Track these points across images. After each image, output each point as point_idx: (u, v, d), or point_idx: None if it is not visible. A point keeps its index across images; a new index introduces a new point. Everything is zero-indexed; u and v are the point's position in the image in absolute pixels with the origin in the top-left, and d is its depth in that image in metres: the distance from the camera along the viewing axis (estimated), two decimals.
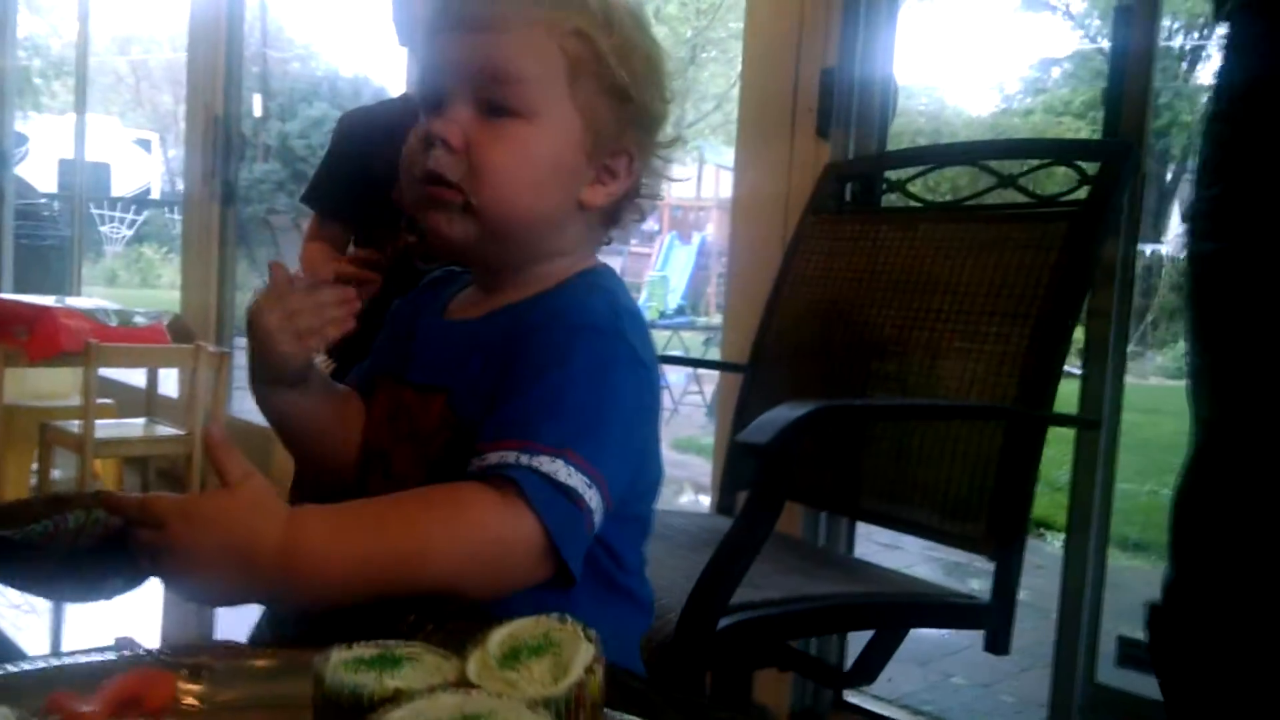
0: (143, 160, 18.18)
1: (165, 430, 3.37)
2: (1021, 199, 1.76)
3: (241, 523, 0.69)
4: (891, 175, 2.02)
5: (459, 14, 0.86)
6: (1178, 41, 15.82)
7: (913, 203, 2.00)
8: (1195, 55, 15.87)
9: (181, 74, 4.61)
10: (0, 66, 5.34)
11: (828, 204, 2.09)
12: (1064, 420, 1.73)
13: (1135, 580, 3.51)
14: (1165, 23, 16.09)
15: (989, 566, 1.54)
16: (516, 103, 0.85)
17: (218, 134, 4.01)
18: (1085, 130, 15.89)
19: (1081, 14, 16.69)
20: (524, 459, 0.76)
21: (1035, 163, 1.78)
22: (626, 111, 0.88)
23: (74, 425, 3.14)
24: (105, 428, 3.20)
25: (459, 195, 0.85)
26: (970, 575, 3.56)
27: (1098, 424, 1.66)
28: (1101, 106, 1.80)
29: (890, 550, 3.52)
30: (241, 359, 3.87)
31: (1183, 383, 1.25)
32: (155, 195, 17.85)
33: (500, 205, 0.85)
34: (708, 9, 15.13)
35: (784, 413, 1.21)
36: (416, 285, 1.63)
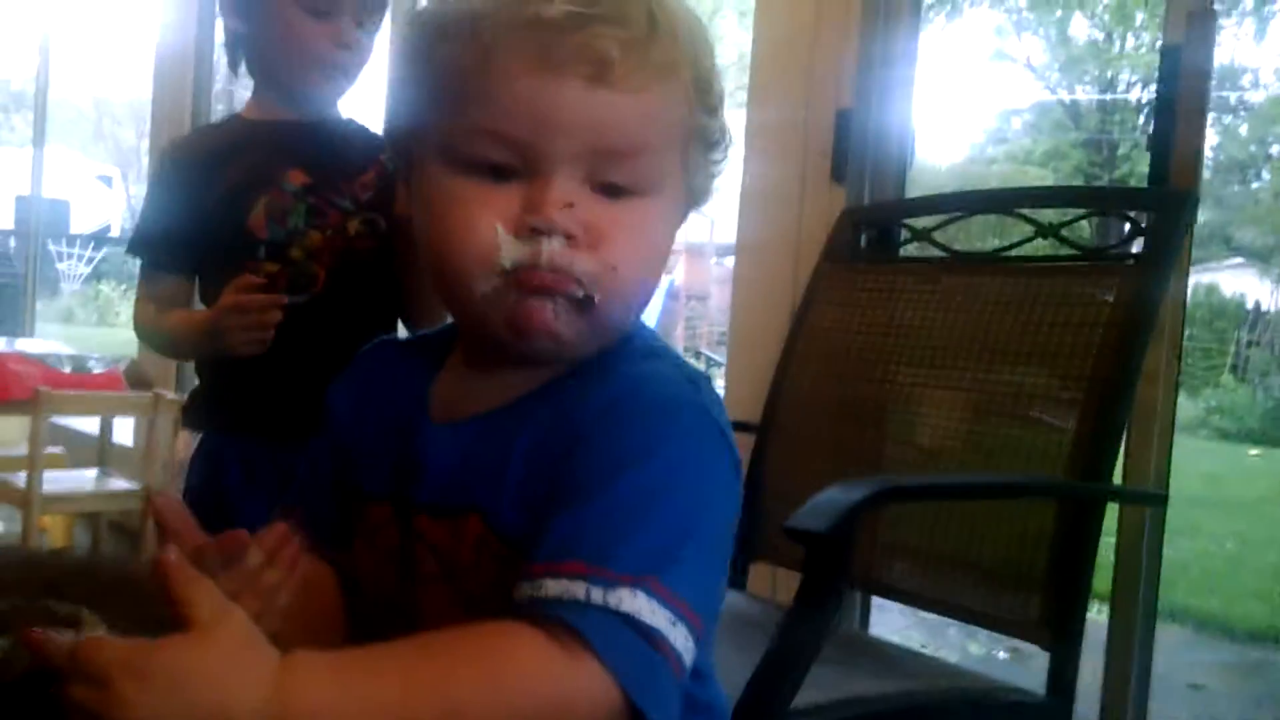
0: (104, 196, 17.86)
1: (119, 484, 3.15)
2: (1049, 249, 1.63)
3: (214, 683, 0.52)
4: (914, 223, 1.88)
5: (578, 53, 0.66)
6: (1135, 94, 16.16)
7: (937, 252, 1.86)
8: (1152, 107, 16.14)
9: (144, 109, 4.43)
10: None
11: (843, 253, 1.95)
12: (1137, 497, 1.57)
13: (1172, 644, 3.39)
14: (1124, 75, 16.40)
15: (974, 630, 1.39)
16: (640, 181, 0.70)
17: None
18: (1050, 178, 16.10)
19: (1042, 66, 16.96)
20: (595, 594, 0.59)
21: (1076, 211, 1.66)
22: (713, 163, 0.76)
23: (19, 478, 2.92)
24: (54, 480, 2.98)
25: (579, 288, 0.68)
26: (961, 639, 3.41)
27: (1165, 499, 1.52)
28: (1148, 151, 1.68)
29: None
30: None
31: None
32: (115, 232, 17.53)
33: (625, 300, 0.71)
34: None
35: (840, 494, 1.05)
36: (282, 316, 1.38)
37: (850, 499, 1.04)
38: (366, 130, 1.54)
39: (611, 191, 0.69)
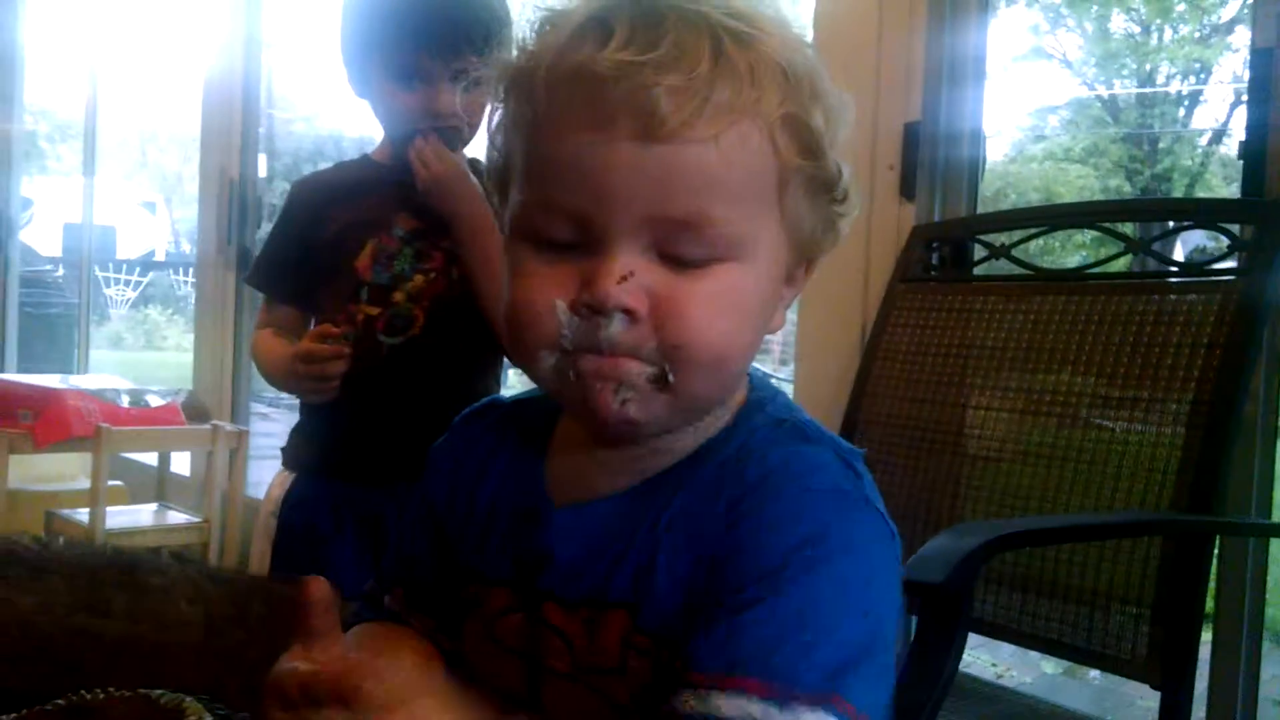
0: (148, 222, 18.11)
1: (178, 517, 3.15)
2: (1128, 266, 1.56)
3: None
4: (992, 239, 1.82)
5: (626, 106, 0.58)
6: (1174, 87, 15.89)
7: (1013, 268, 1.80)
8: (1193, 100, 15.89)
9: (187, 136, 4.45)
10: (7, 131, 5.20)
11: (916, 271, 1.90)
12: (1252, 530, 1.50)
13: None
14: (1163, 68, 16.20)
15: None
16: (715, 247, 0.61)
17: (233, 199, 3.83)
18: (1091, 175, 15.89)
19: (1079, 61, 16.75)
20: (774, 716, 0.54)
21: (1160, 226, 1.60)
22: (827, 205, 0.66)
23: (81, 514, 2.92)
24: (115, 515, 2.98)
25: (645, 367, 0.61)
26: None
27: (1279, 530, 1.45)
28: (1240, 159, 1.61)
29: None
30: (257, 432, 3.68)
31: None
32: (160, 257, 17.76)
33: (709, 380, 0.63)
34: None
35: (954, 543, 1.00)
36: (380, 359, 1.41)
37: (966, 547, 0.99)
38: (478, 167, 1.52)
39: (682, 261, 0.61)
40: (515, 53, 0.65)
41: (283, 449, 1.57)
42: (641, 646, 0.63)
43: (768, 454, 0.63)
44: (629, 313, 0.60)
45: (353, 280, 1.44)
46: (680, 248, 0.60)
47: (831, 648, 0.56)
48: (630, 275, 0.60)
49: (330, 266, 1.46)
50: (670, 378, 0.61)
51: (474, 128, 1.45)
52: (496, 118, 0.67)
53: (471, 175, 1.43)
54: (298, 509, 1.50)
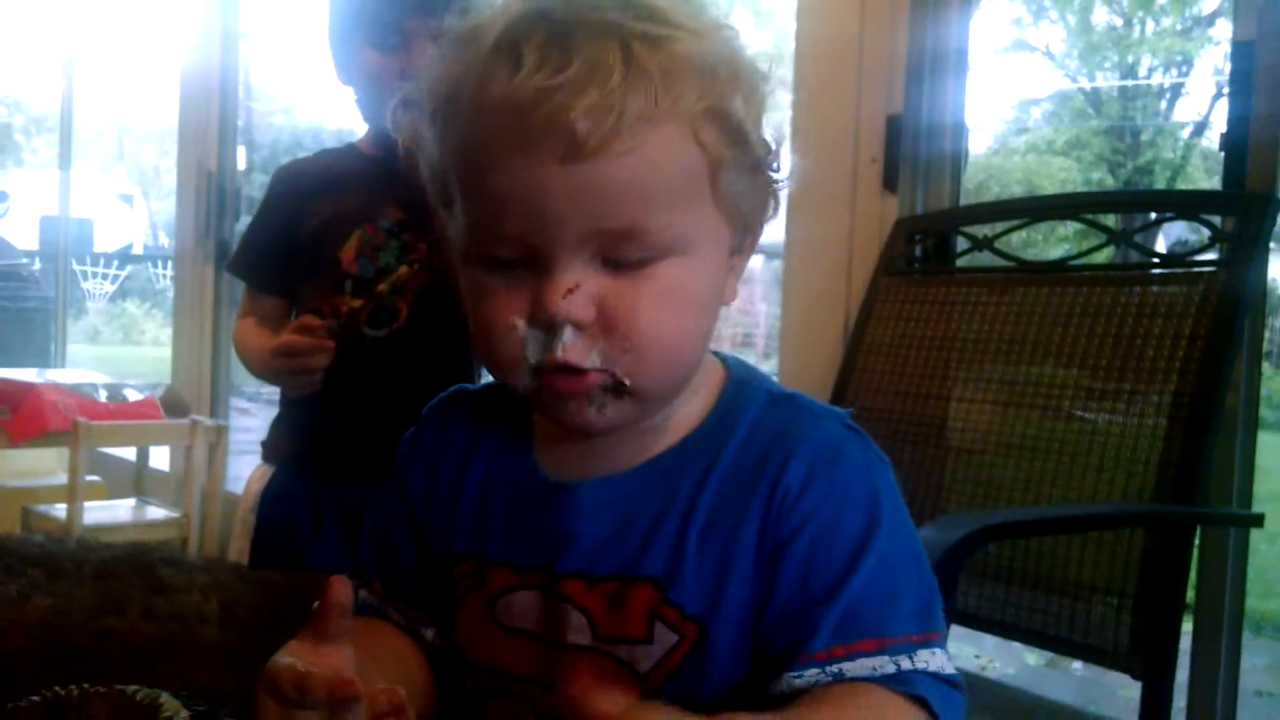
0: (125, 215, 17.96)
1: (157, 513, 3.12)
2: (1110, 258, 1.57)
3: None
4: (975, 231, 1.82)
5: (546, 130, 0.59)
6: (1156, 79, 15.97)
7: (996, 260, 1.80)
8: (1175, 92, 15.99)
9: (164, 128, 4.42)
10: None
11: (900, 264, 1.89)
12: (1234, 520, 1.51)
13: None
14: (1145, 61, 16.32)
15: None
16: (657, 247, 0.63)
17: (210, 191, 3.80)
18: (1073, 167, 15.97)
19: (1061, 54, 16.81)
20: (905, 663, 0.63)
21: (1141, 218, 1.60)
22: (763, 180, 0.68)
23: (58, 510, 2.90)
24: (92, 511, 2.95)
25: (607, 377, 0.64)
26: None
27: (1261, 520, 1.45)
28: (1221, 151, 1.61)
29: None
30: (236, 426, 3.65)
31: None
32: (138, 250, 17.62)
33: (665, 373, 0.66)
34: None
35: (938, 535, 1.00)
36: (363, 351, 1.40)
37: (947, 540, 0.99)
38: None
39: (624, 263, 0.63)
40: (434, 73, 0.66)
41: (263, 443, 1.56)
42: (670, 618, 0.66)
43: (799, 446, 0.67)
44: (578, 324, 0.62)
45: (337, 272, 1.43)
46: (620, 253, 0.62)
47: (913, 595, 0.65)
48: (576, 288, 0.62)
49: (314, 258, 1.45)
50: (627, 382, 0.64)
51: None
52: (427, 138, 0.68)
53: None
54: (277, 504, 1.49)
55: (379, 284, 1.42)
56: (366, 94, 1.46)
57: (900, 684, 0.62)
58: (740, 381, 0.72)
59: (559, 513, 0.70)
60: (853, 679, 0.63)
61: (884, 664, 0.63)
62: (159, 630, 0.86)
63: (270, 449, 1.54)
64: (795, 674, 0.64)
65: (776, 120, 0.68)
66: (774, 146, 0.68)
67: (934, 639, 0.65)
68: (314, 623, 0.60)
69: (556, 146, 0.59)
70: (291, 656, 0.58)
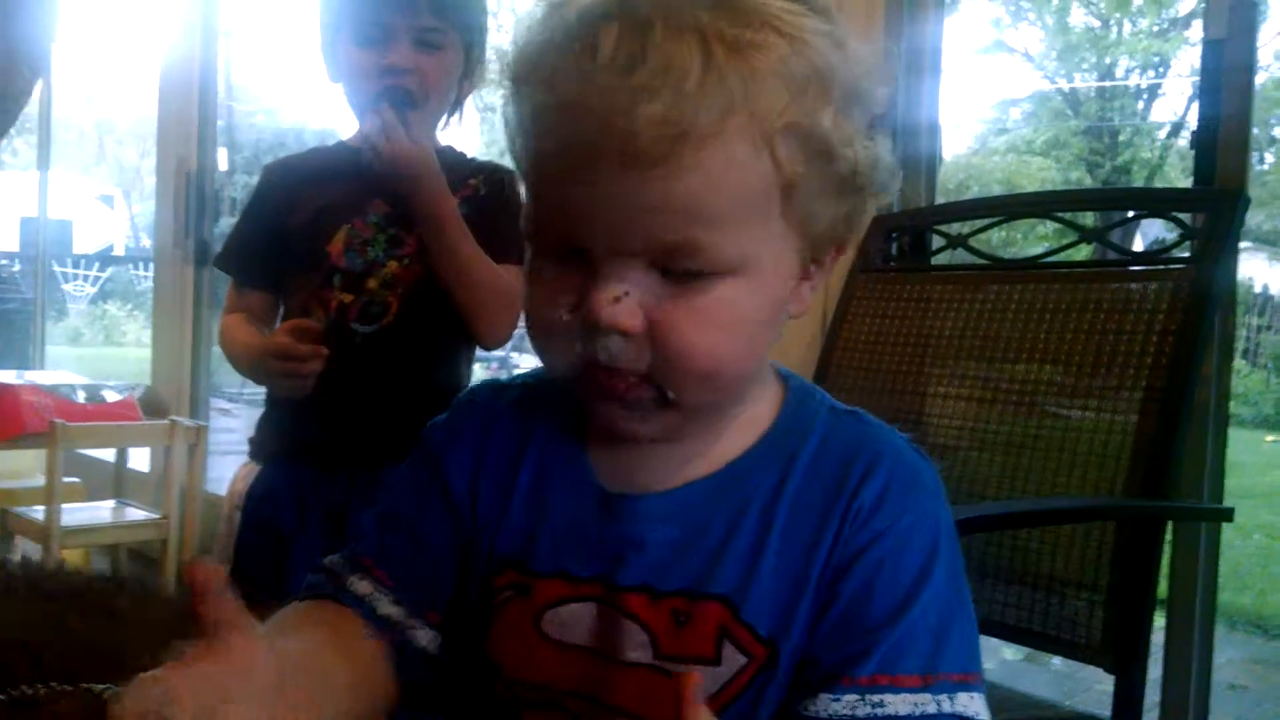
0: (106, 216, 17.86)
1: (137, 514, 3.11)
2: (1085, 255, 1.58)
3: None
4: (950, 229, 1.83)
5: (604, 133, 0.56)
6: (1133, 80, 16.07)
7: (972, 258, 1.81)
8: (1152, 92, 16.10)
9: (146, 129, 4.39)
10: None
11: (876, 261, 1.90)
12: (1205, 514, 1.52)
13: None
14: (1122, 61, 16.38)
15: None
16: (718, 265, 0.60)
17: (190, 191, 3.79)
18: (1052, 168, 16.06)
19: (1040, 55, 16.89)
20: (945, 704, 0.61)
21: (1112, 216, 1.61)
22: (851, 198, 0.64)
23: (37, 511, 2.88)
24: (71, 512, 2.94)
25: (651, 388, 0.62)
26: None
27: (1231, 514, 1.47)
28: (1191, 150, 1.63)
29: None
30: (217, 427, 3.64)
31: None
32: (119, 252, 17.52)
33: (710, 391, 0.63)
34: None
35: None
36: (352, 347, 1.38)
37: None
38: (457, 155, 1.51)
39: (681, 277, 0.60)
40: (518, 37, 0.63)
41: (250, 439, 1.55)
42: (741, 639, 0.64)
43: (877, 463, 0.66)
44: (624, 331, 0.60)
45: (325, 266, 1.43)
46: (676, 264, 0.60)
47: (961, 626, 0.63)
48: (624, 295, 0.59)
49: (302, 252, 1.44)
50: (670, 395, 0.62)
51: (434, 91, 1.43)
52: (505, 109, 0.65)
53: (431, 153, 1.41)
54: (263, 502, 1.48)
55: (367, 278, 1.42)
56: (351, 90, 1.46)
57: None
58: (802, 391, 0.71)
59: (623, 523, 0.67)
60: (893, 715, 0.61)
61: (926, 702, 0.61)
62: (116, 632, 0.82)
63: (257, 446, 1.54)
64: (834, 696, 0.61)
65: (886, 130, 0.65)
66: (869, 163, 0.63)
67: (975, 681, 0.63)
68: (196, 616, 0.52)
69: (617, 153, 0.56)
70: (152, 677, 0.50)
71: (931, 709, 0.60)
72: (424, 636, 0.72)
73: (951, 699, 0.61)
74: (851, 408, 0.70)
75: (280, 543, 1.44)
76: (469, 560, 0.72)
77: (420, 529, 0.73)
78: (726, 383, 0.64)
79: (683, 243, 0.59)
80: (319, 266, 1.43)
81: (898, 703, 0.61)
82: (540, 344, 0.65)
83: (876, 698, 0.61)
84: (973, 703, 0.62)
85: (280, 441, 1.49)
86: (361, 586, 0.71)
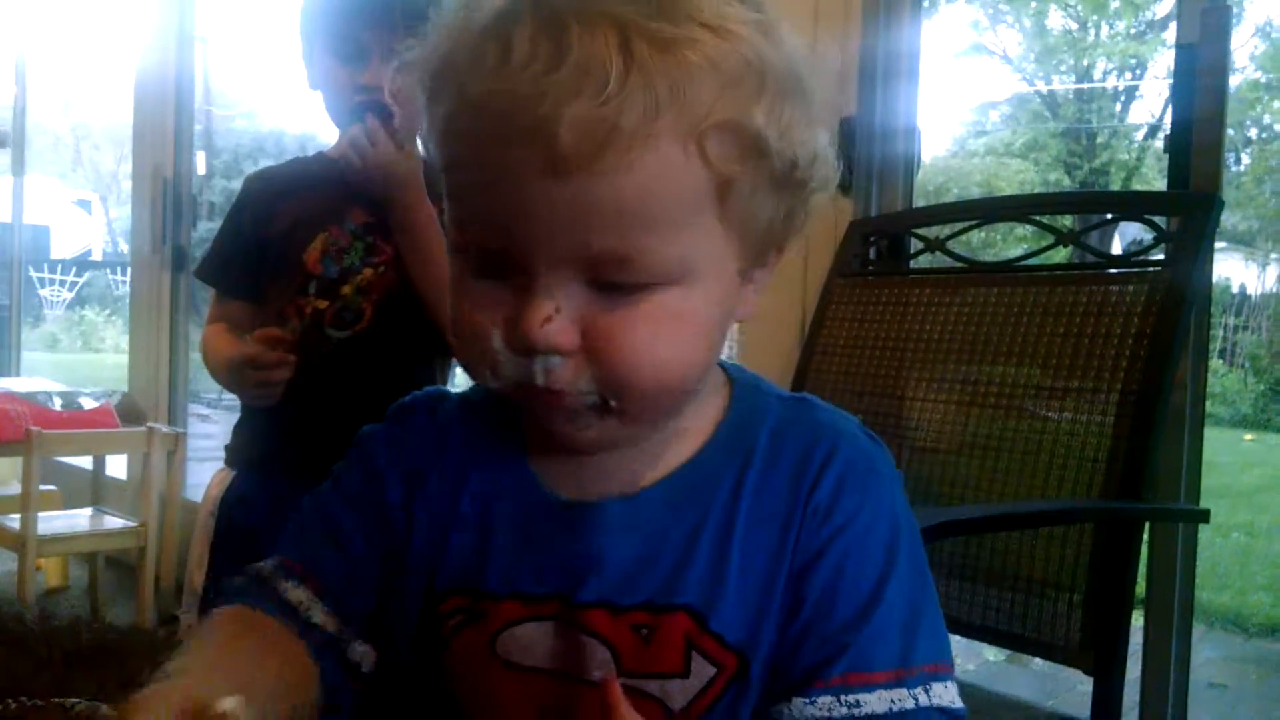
0: (83, 222, 17.74)
1: (114, 522, 3.08)
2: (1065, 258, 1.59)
3: None
4: (927, 232, 1.83)
5: (527, 139, 0.53)
6: (1110, 82, 16.20)
7: (950, 261, 1.82)
8: (1129, 94, 16.22)
9: (122, 133, 4.36)
10: None
11: (854, 265, 1.91)
12: (1181, 515, 1.53)
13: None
14: (1100, 64, 16.49)
15: None
16: (654, 274, 0.57)
17: (167, 196, 3.76)
18: (1030, 170, 16.16)
19: (1018, 57, 17.00)
20: (921, 697, 0.60)
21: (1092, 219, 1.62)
22: (790, 194, 0.61)
23: (12, 520, 2.85)
24: (48, 521, 2.92)
25: (592, 397, 0.59)
26: None
27: (1207, 516, 1.48)
28: (1165, 153, 1.64)
29: None
30: (196, 434, 3.61)
31: None
32: (97, 257, 17.41)
33: (656, 400, 0.61)
34: None
35: None
36: (326, 352, 1.38)
37: None
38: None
39: (616, 289, 0.57)
40: (430, 41, 0.60)
41: (226, 446, 1.55)
42: (709, 650, 0.62)
43: (833, 454, 0.64)
44: (558, 352, 0.57)
45: (301, 274, 1.43)
46: (609, 276, 0.56)
47: (928, 616, 0.63)
48: (555, 313, 0.56)
49: (280, 260, 1.44)
50: (613, 404, 0.59)
51: (412, 107, 1.43)
52: (421, 112, 0.62)
53: (411, 162, 1.41)
54: (237, 508, 1.47)
55: (343, 284, 1.42)
56: (329, 102, 1.46)
57: None
58: (748, 386, 0.68)
59: (579, 534, 0.64)
60: (869, 714, 0.59)
61: (903, 698, 0.60)
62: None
63: (232, 452, 1.53)
64: (809, 699, 0.60)
65: (826, 124, 0.62)
66: (808, 157, 0.60)
67: (946, 670, 0.62)
68: None
69: (539, 158, 0.53)
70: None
71: (909, 704, 0.60)
72: (358, 651, 0.68)
73: (927, 690, 0.60)
74: (800, 394, 0.69)
75: (254, 550, 1.43)
76: (402, 585, 0.68)
77: (351, 540, 0.70)
78: (673, 394, 0.61)
79: (613, 251, 0.55)
80: (296, 274, 1.43)
81: (873, 700, 0.60)
82: (471, 363, 0.62)
83: (852, 698, 0.60)
84: (947, 692, 0.61)
85: (255, 448, 1.49)
86: (295, 594, 0.68)
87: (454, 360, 1.52)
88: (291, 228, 1.45)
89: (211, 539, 1.51)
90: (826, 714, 0.60)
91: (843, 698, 0.60)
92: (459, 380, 1.71)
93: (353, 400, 1.41)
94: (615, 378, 0.58)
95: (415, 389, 1.49)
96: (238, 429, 1.54)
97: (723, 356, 0.68)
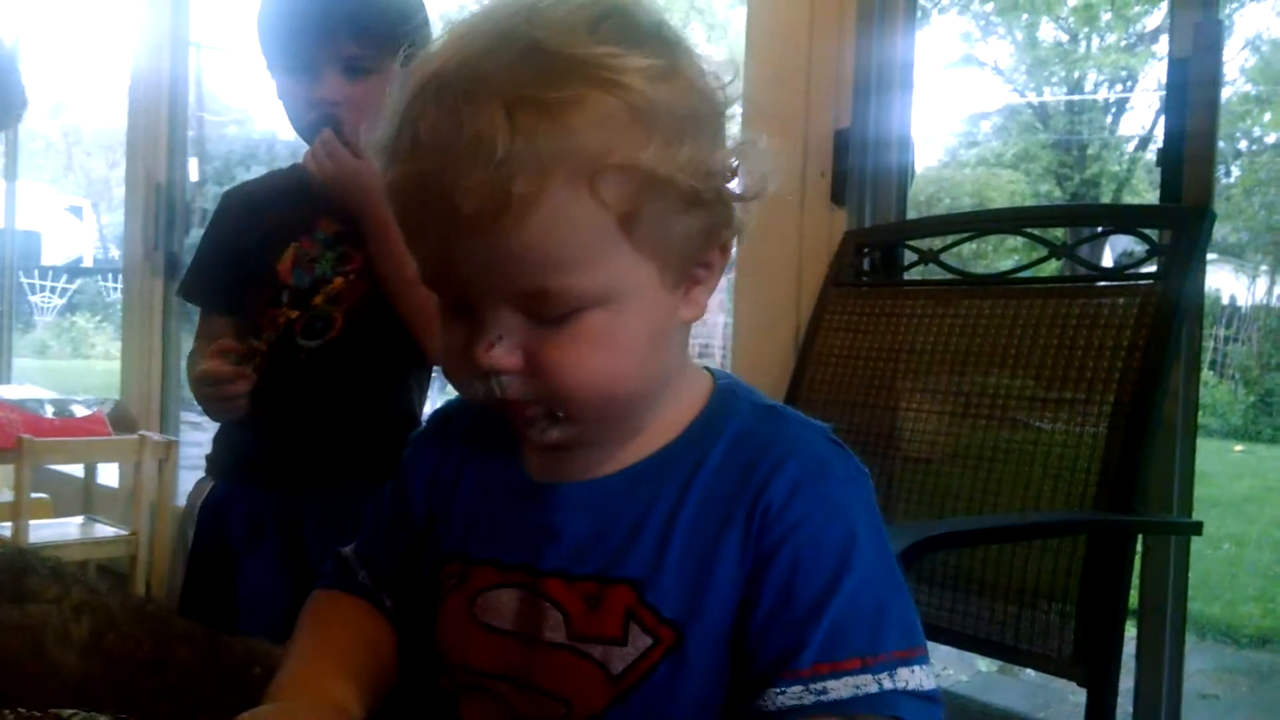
0: (75, 228, 17.70)
1: (106, 530, 3.07)
2: (1058, 271, 1.60)
3: None
4: (921, 244, 1.84)
5: (439, 207, 0.61)
6: (1102, 94, 16.28)
7: (943, 273, 1.83)
8: (1120, 106, 16.30)
9: (114, 139, 4.36)
10: None
11: (848, 276, 1.92)
12: (1173, 528, 1.54)
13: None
14: (1091, 76, 16.57)
15: None
16: (578, 302, 0.63)
17: (160, 203, 3.76)
18: (1021, 180, 16.22)
19: (1009, 69, 17.08)
20: (887, 682, 0.64)
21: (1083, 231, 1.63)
22: (705, 211, 0.66)
23: (3, 528, 2.84)
24: (39, 529, 2.90)
25: (544, 409, 0.67)
26: None
27: (1200, 528, 1.48)
28: (1157, 165, 1.65)
29: None
30: (188, 442, 3.60)
31: None
32: (88, 263, 17.37)
33: (600, 409, 0.67)
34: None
35: None
36: (298, 362, 1.38)
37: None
38: None
39: (547, 317, 0.64)
40: (377, 124, 0.67)
41: (206, 456, 1.54)
42: (646, 621, 0.67)
43: (785, 459, 0.68)
44: (505, 372, 0.65)
45: (274, 285, 1.42)
46: (535, 310, 0.64)
47: (894, 606, 0.66)
48: (498, 340, 0.64)
49: (255, 273, 1.44)
50: (561, 414, 0.66)
51: (368, 118, 1.41)
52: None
53: (373, 169, 1.39)
54: (214, 517, 1.47)
55: (314, 294, 1.41)
56: (288, 115, 1.46)
57: (880, 706, 0.64)
58: (726, 391, 0.73)
59: (542, 511, 0.71)
60: (835, 700, 0.63)
61: (867, 683, 0.64)
62: None
63: (211, 462, 1.53)
64: (779, 689, 0.64)
65: (731, 134, 0.67)
66: (714, 179, 0.65)
67: (917, 655, 0.66)
68: None
69: (450, 225, 0.61)
70: None
71: (873, 689, 0.63)
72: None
73: (892, 675, 0.64)
74: (772, 404, 0.73)
75: (230, 560, 1.42)
76: (424, 562, 0.78)
77: (393, 536, 0.81)
78: (617, 402, 0.67)
79: (532, 291, 0.63)
80: (270, 286, 1.43)
81: (839, 687, 0.63)
82: (449, 379, 0.70)
83: (819, 685, 0.64)
84: (914, 675, 0.65)
85: (231, 458, 1.48)
86: (366, 581, 0.81)
87: (433, 369, 1.52)
88: (265, 240, 1.45)
89: (190, 548, 1.51)
90: (798, 702, 0.64)
91: (811, 686, 0.64)
92: (449, 389, 1.70)
93: (326, 409, 1.41)
94: (555, 394, 0.65)
95: (390, 397, 1.50)
96: (216, 439, 1.54)
97: (713, 364, 0.75)
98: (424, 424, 0.84)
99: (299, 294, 1.42)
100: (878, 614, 0.65)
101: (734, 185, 0.67)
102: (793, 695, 0.64)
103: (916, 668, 0.65)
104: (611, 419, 0.69)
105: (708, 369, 0.75)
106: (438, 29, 0.68)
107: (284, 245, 1.43)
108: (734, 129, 0.68)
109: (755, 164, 0.68)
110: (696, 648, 0.67)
